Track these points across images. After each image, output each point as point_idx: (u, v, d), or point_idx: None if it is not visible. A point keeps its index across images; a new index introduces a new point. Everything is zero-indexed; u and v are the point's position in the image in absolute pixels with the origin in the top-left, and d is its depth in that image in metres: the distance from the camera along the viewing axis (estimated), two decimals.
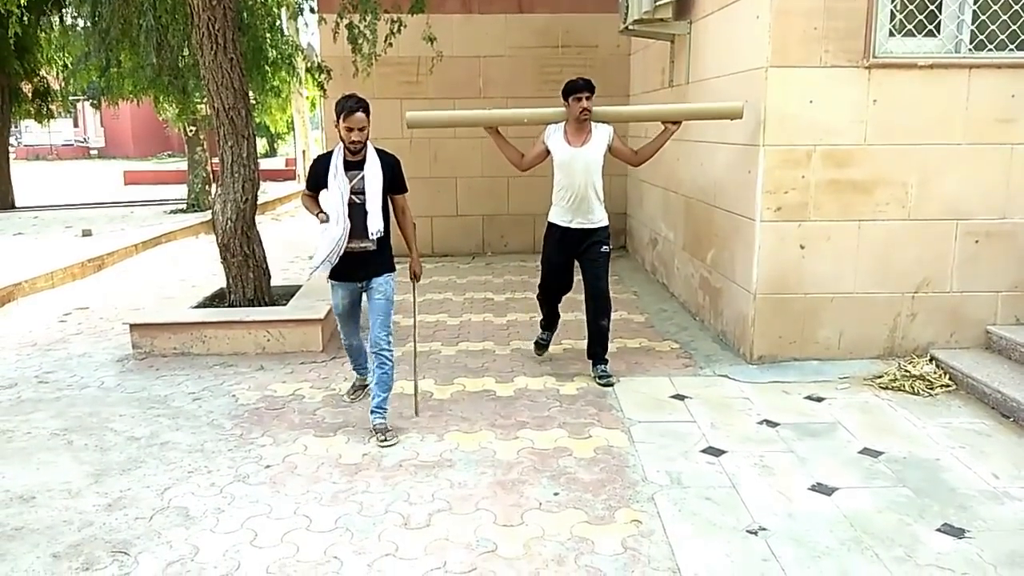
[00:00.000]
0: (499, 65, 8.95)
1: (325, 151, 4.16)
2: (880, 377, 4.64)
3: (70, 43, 8.74)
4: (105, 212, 14.48)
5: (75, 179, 25.23)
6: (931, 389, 4.47)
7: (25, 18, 7.26)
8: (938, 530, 3.03)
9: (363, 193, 3.88)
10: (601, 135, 4.62)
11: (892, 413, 4.21)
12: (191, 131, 13.01)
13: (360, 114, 3.80)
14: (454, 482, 3.48)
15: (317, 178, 4.00)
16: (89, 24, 9.14)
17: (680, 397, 4.50)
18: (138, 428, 4.15)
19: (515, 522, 3.13)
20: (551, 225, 4.78)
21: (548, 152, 4.68)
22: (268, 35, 8.00)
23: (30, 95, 16.31)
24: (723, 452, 3.76)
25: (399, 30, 6.64)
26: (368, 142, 3.91)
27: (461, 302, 6.97)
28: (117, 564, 2.89)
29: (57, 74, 15.36)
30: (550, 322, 5.15)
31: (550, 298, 5.00)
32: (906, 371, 4.64)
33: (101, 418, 4.31)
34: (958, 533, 3.01)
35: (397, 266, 4.16)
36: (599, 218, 4.68)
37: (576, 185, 4.57)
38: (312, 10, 8.13)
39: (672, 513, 3.19)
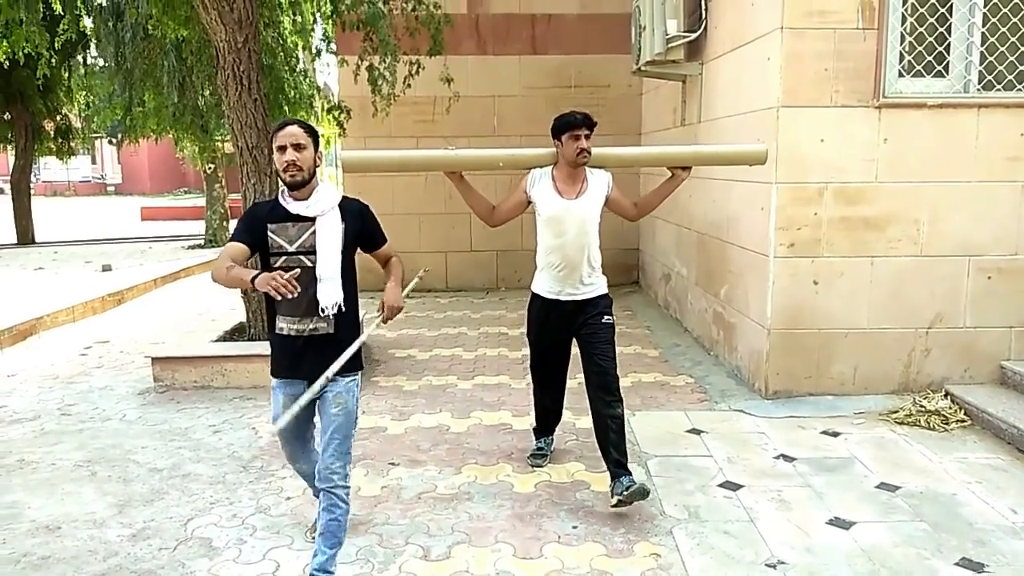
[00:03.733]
0: (513, 104, 9.12)
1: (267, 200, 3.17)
2: (895, 412, 4.65)
3: (96, 83, 8.97)
4: (123, 247, 14.70)
5: (93, 215, 25.59)
6: (946, 424, 4.48)
7: (53, 59, 7.44)
8: (956, 564, 3.04)
9: (313, 253, 2.79)
10: (599, 184, 3.72)
11: (908, 448, 4.22)
12: (210, 168, 13.25)
13: (294, 128, 2.78)
14: (473, 515, 3.52)
15: (254, 224, 2.85)
16: (113, 64, 9.41)
17: (696, 431, 4.52)
18: (160, 460, 4.21)
19: (534, 555, 3.15)
20: (535, 297, 3.83)
21: (528, 203, 3.76)
22: (289, 76, 8.20)
23: (52, 133, 16.70)
24: (740, 486, 3.78)
25: (418, 72, 6.80)
26: (319, 179, 2.90)
27: (476, 336, 7.03)
28: None
29: (79, 113, 15.73)
30: (546, 423, 4.12)
31: (546, 379, 4.00)
32: (921, 406, 4.65)
33: (124, 450, 4.37)
34: (977, 568, 3.01)
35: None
36: (596, 287, 3.73)
37: (568, 247, 3.62)
38: (334, 52, 8.34)
39: (691, 547, 3.21)
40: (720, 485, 3.80)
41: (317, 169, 2.86)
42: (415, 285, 3.64)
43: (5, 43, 6.72)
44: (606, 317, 3.71)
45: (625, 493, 3.36)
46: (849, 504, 3.57)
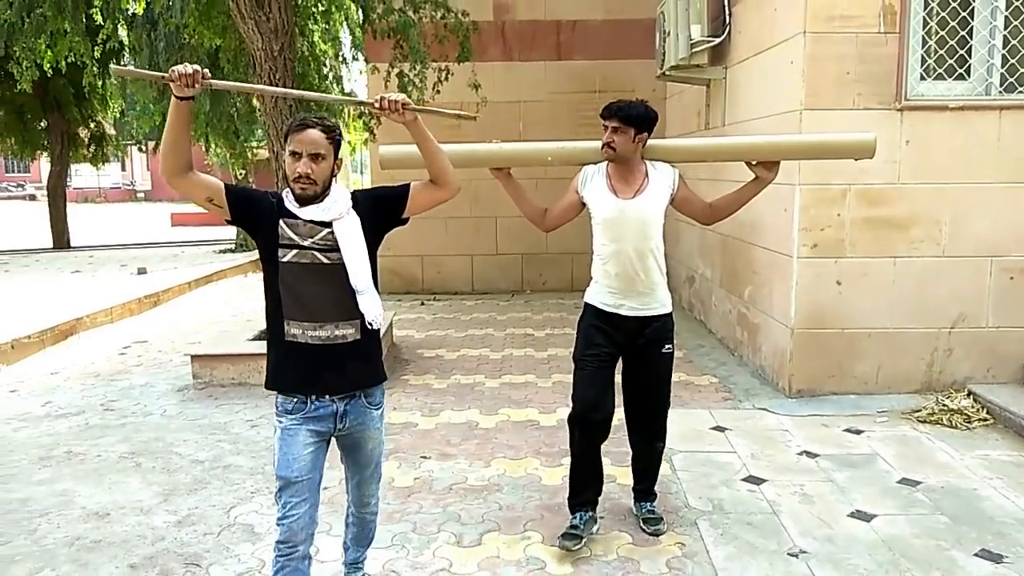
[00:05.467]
0: (538, 110, 9.25)
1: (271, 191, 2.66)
2: (918, 411, 4.71)
3: (136, 90, 9.26)
4: (156, 252, 15.03)
5: (124, 220, 26.11)
6: (969, 423, 4.53)
7: (93, 67, 7.72)
8: (976, 555, 3.11)
9: (329, 250, 2.41)
10: (662, 180, 3.23)
11: (930, 445, 4.28)
12: (241, 174, 13.54)
13: (315, 133, 2.36)
14: (503, 505, 3.64)
15: (265, 204, 2.47)
16: (151, 70, 9.69)
17: (720, 429, 4.61)
18: (201, 452, 4.38)
19: None
20: (589, 309, 3.30)
21: (583, 205, 3.31)
22: (320, 83, 8.41)
23: (87, 140, 17.14)
24: (764, 481, 3.87)
25: (446, 78, 6.97)
26: (336, 185, 2.48)
27: (503, 337, 7.16)
28: (190, 574, 3.08)
29: (114, 120, 16.14)
30: (585, 486, 3.30)
31: (591, 434, 3.24)
32: (944, 405, 4.70)
33: (166, 443, 4.55)
34: (996, 558, 3.08)
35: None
36: (661, 300, 3.26)
37: (627, 253, 3.17)
38: (365, 59, 8.54)
39: (714, 537, 3.31)
40: (744, 480, 3.89)
41: (334, 179, 2.47)
42: (452, 113, 2.84)
43: (50, 52, 6.97)
44: (668, 346, 3.29)
45: (643, 524, 3.39)
46: (871, 498, 3.64)
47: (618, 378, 3.32)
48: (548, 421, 4.77)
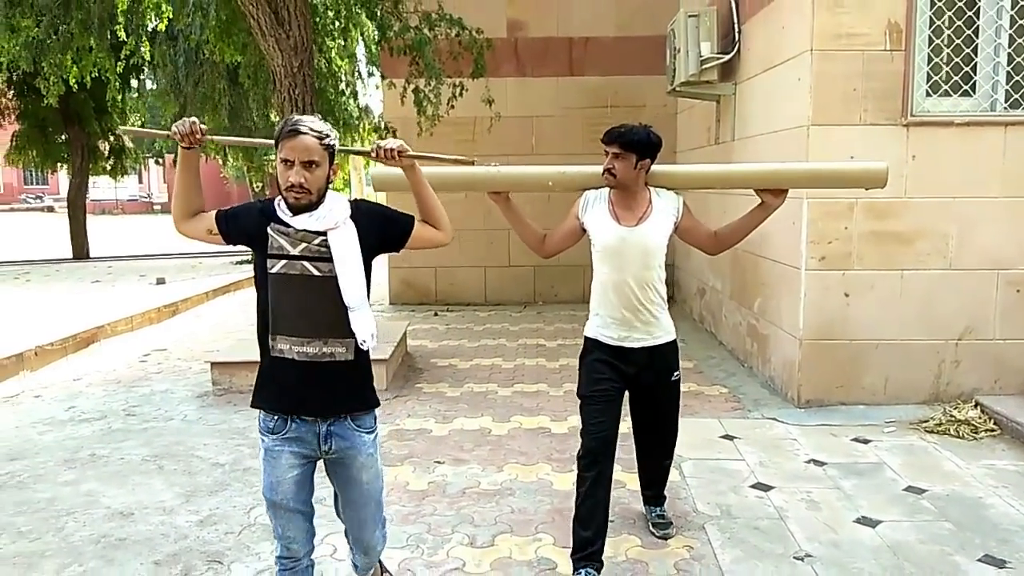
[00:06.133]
0: (551, 124, 9.40)
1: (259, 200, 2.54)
2: (925, 421, 4.77)
3: (160, 104, 9.50)
4: (174, 262, 15.24)
5: (141, 232, 26.44)
6: (976, 433, 4.59)
7: (116, 82, 7.92)
8: (979, 560, 3.17)
9: (319, 259, 2.27)
10: (665, 208, 3.13)
11: (937, 455, 4.34)
12: (258, 187, 13.75)
13: (308, 140, 2.21)
14: (515, 508, 3.73)
15: (253, 216, 2.37)
16: (167, 86, 9.92)
17: (729, 437, 4.69)
18: (221, 456, 4.49)
19: None
20: (591, 343, 3.18)
21: (584, 231, 3.20)
22: (338, 98, 8.59)
23: (106, 153, 17.45)
24: (771, 487, 3.94)
25: (461, 93, 7.12)
26: (332, 194, 2.34)
27: (515, 347, 7.26)
28: (212, 571, 3.19)
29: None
30: (596, 536, 3.01)
31: (603, 454, 3.07)
32: (951, 416, 4.76)
33: (187, 446, 4.67)
34: (999, 564, 3.15)
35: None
36: (666, 328, 3.19)
37: (628, 283, 3.07)
38: (382, 75, 8.72)
39: (722, 541, 3.39)
40: (752, 486, 3.97)
41: (330, 186, 2.33)
42: (448, 158, 2.75)
43: (76, 68, 7.17)
44: (676, 373, 3.25)
45: (652, 528, 3.47)
46: (877, 505, 3.71)
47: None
48: (559, 429, 4.86)
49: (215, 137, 2.46)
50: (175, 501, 3.88)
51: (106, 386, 6.17)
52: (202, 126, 2.35)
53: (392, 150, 2.38)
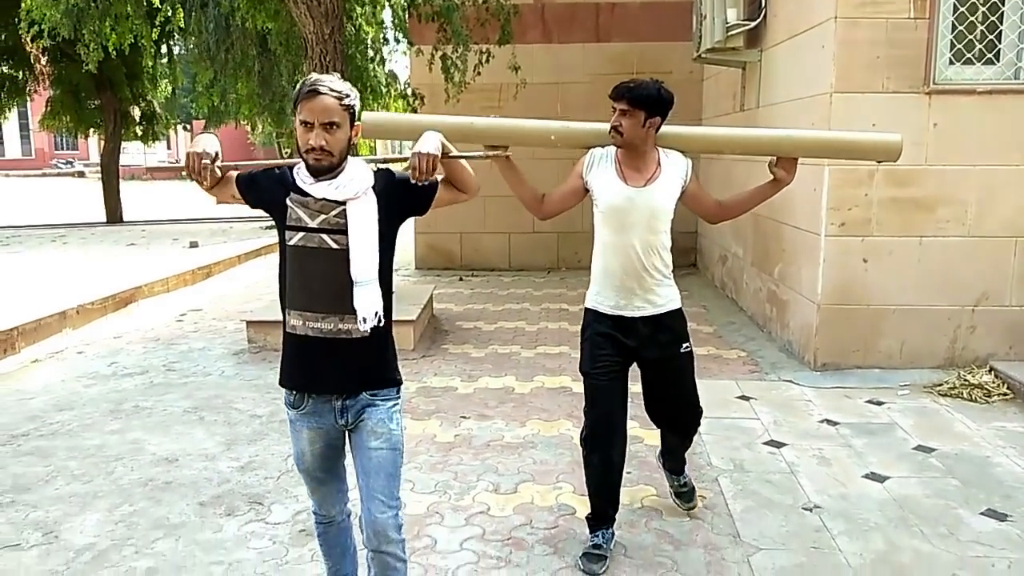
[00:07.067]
0: (577, 91, 9.43)
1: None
2: (939, 385, 4.87)
3: (196, 71, 9.69)
4: (206, 227, 15.55)
5: (171, 197, 26.83)
6: (988, 397, 4.69)
7: (152, 49, 8.09)
8: (981, 514, 3.31)
9: (338, 232, 2.17)
10: (674, 170, 2.95)
11: (948, 416, 4.46)
12: (287, 151, 13.94)
13: (327, 100, 2.10)
14: (537, 460, 3.92)
15: (275, 181, 2.28)
16: (199, 53, 10.07)
17: (745, 398, 4.83)
18: (259, 408, 4.73)
19: None
20: (591, 315, 3.04)
21: (586, 191, 3.01)
22: (367, 64, 8.71)
23: (138, 119, 17.72)
24: (784, 444, 4.09)
25: (488, 60, 7.21)
26: (355, 160, 2.25)
27: (538, 312, 7.42)
28: (254, 511, 3.42)
29: (164, 99, 16.66)
30: (608, 501, 3.05)
31: (609, 426, 3.01)
32: (965, 380, 4.86)
33: (225, 400, 4.91)
34: (1001, 517, 3.28)
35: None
36: (667, 297, 3.00)
37: (632, 246, 2.90)
38: (409, 42, 8.82)
39: (734, 492, 3.55)
40: (765, 443, 4.12)
41: (352, 150, 2.24)
42: (476, 153, 2.71)
43: (114, 35, 7.35)
44: (685, 344, 3.06)
45: (675, 497, 3.40)
46: (886, 462, 3.85)
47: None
48: (580, 388, 4.99)
49: (227, 163, 2.29)
50: (216, 449, 4.12)
51: (145, 343, 6.43)
52: (212, 153, 2.21)
53: (428, 162, 2.20)
